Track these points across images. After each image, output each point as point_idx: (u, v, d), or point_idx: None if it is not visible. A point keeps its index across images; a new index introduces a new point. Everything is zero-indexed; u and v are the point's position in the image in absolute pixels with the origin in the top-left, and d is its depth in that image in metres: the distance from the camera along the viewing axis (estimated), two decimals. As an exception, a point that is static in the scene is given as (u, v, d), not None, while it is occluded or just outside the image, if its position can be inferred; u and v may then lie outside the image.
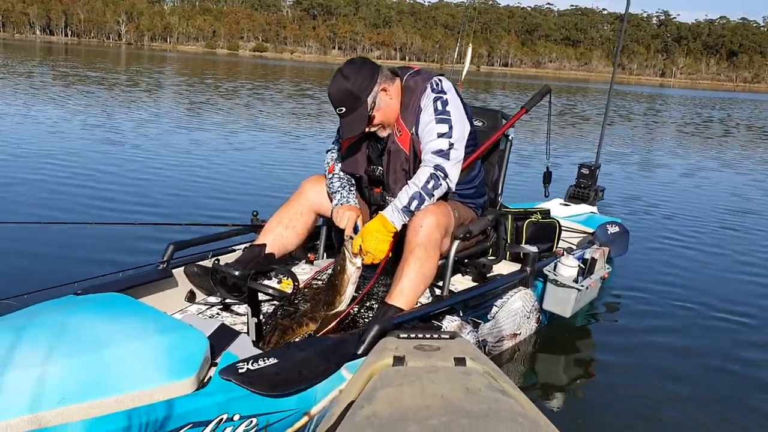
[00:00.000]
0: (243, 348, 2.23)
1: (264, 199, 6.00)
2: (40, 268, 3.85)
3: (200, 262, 2.80)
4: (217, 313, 2.78)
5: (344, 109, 2.56)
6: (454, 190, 2.68)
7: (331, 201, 2.83)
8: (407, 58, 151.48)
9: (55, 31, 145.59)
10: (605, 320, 3.74)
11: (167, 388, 1.83)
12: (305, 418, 2.10)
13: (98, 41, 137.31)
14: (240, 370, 1.97)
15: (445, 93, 2.64)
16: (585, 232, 4.23)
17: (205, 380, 1.96)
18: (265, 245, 2.79)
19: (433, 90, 2.63)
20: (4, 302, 2.30)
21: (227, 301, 2.83)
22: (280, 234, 2.85)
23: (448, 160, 2.58)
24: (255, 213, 3.25)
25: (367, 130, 2.66)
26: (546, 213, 3.81)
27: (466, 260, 3.29)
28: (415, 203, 2.54)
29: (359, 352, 2.19)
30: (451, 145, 2.59)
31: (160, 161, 7.68)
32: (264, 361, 2.03)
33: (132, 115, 11.94)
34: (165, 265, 2.77)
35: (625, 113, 23.47)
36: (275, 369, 2.01)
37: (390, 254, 2.60)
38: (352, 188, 2.85)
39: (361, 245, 2.50)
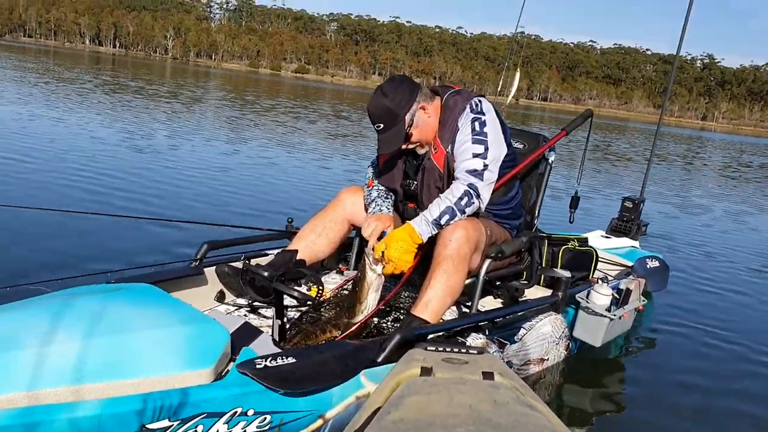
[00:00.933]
0: (263, 346, 2.24)
1: (298, 210, 6.02)
2: (77, 256, 3.92)
3: (232, 263, 2.80)
4: (245, 315, 2.77)
5: (382, 126, 2.57)
6: (483, 210, 2.67)
7: (366, 211, 2.83)
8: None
9: (104, 42, 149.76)
10: (638, 355, 3.62)
11: (184, 376, 1.84)
12: (320, 421, 2.09)
13: (145, 54, 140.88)
14: (257, 366, 1.96)
15: (484, 114, 2.63)
16: (624, 265, 4.13)
17: (223, 373, 1.97)
18: (296, 251, 2.79)
19: (472, 110, 2.63)
20: (40, 285, 2.33)
21: (255, 303, 2.83)
22: (313, 241, 2.85)
23: (482, 180, 2.57)
24: (290, 220, 3.26)
25: (404, 147, 2.66)
26: (584, 241, 3.74)
27: (498, 282, 3.24)
28: (446, 218, 2.52)
29: (379, 359, 2.17)
30: (486, 166, 2.58)
31: (201, 169, 7.79)
32: (282, 359, 2.02)
33: (174, 125, 12.15)
34: (197, 263, 2.79)
35: (663, 152, 23.18)
36: (292, 368, 2.01)
37: (415, 265, 2.58)
38: (388, 198, 2.85)
39: (384, 252, 2.47)
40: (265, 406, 1.94)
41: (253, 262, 2.82)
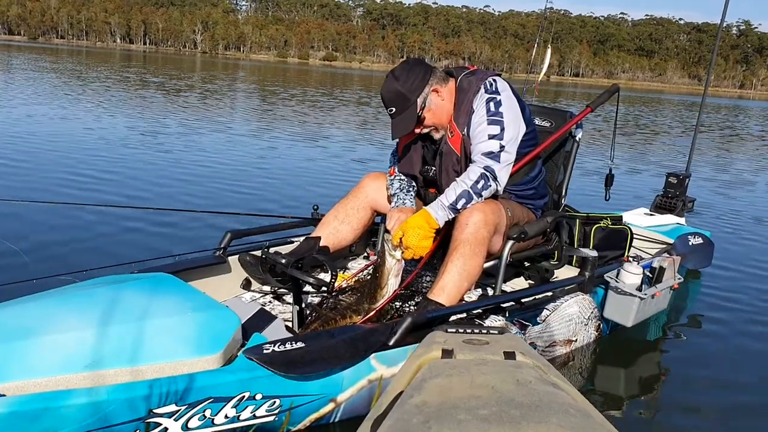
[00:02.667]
0: (276, 332, 2.29)
1: (324, 198, 6.03)
2: (106, 248, 4.03)
3: (254, 252, 2.83)
4: (270, 302, 2.79)
5: (394, 110, 2.55)
6: (501, 192, 2.62)
7: (389, 203, 2.83)
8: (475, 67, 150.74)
9: (134, 40, 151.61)
10: (680, 336, 3.46)
11: (192, 362, 1.90)
12: (331, 405, 2.11)
13: (175, 50, 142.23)
14: (265, 351, 1.99)
15: (499, 94, 2.58)
16: (665, 243, 4.01)
17: (232, 359, 2.01)
18: (319, 238, 2.80)
19: (486, 90, 2.58)
20: (69, 276, 2.40)
21: (280, 290, 2.86)
22: (336, 228, 2.85)
23: (498, 162, 2.53)
24: (315, 207, 3.27)
25: (418, 131, 2.64)
26: (617, 219, 3.65)
27: (527, 263, 3.20)
28: (462, 201, 2.49)
29: (391, 343, 2.18)
30: (502, 147, 2.53)
31: (226, 158, 7.85)
32: (291, 344, 2.05)
33: (198, 118, 12.22)
34: (221, 252, 2.83)
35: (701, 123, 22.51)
36: (300, 352, 2.02)
37: (433, 250, 2.56)
38: (410, 190, 2.83)
39: (402, 239, 2.47)
40: (273, 391, 1.98)
41: (278, 250, 2.85)
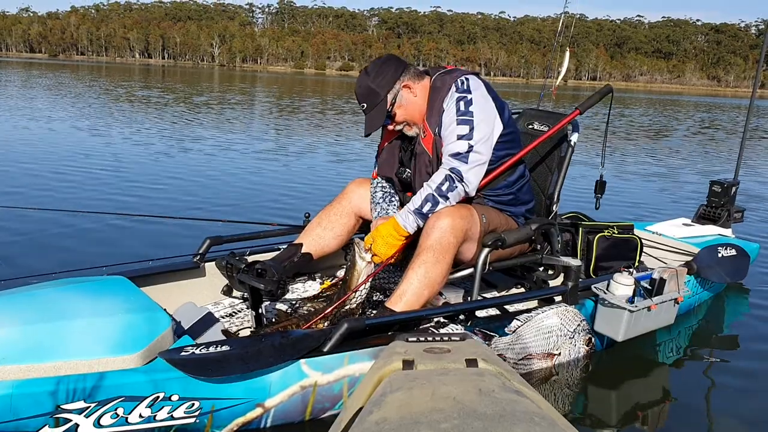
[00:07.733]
0: (211, 337, 2.30)
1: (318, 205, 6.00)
2: (89, 252, 4.11)
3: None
4: (247, 308, 2.76)
5: (366, 105, 2.56)
6: (473, 194, 2.57)
7: (372, 211, 2.79)
8: (492, 73, 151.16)
9: (152, 54, 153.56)
10: (701, 358, 3.15)
11: (106, 361, 1.91)
12: (259, 410, 2.10)
13: (193, 63, 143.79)
14: (182, 353, 1.99)
15: (470, 92, 2.54)
16: (690, 253, 3.77)
17: (152, 360, 2.01)
18: (301, 245, 2.77)
19: (457, 89, 2.54)
20: (37, 278, 2.42)
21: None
22: (318, 235, 2.82)
23: (466, 163, 2.48)
24: (307, 215, 3.24)
25: (392, 127, 2.64)
26: (626, 228, 3.50)
27: (524, 273, 3.10)
28: (428, 206, 2.46)
29: (325, 349, 2.15)
30: (471, 147, 2.48)
31: (224, 167, 7.91)
32: (215, 347, 2.03)
33: (200, 129, 12.25)
34: (198, 258, 2.84)
35: (726, 126, 22.05)
36: (219, 356, 2.00)
37: (402, 252, 2.55)
38: (393, 198, 2.80)
39: (371, 246, 2.46)
40: (190, 392, 1.98)
41: (262, 257, 2.84)
